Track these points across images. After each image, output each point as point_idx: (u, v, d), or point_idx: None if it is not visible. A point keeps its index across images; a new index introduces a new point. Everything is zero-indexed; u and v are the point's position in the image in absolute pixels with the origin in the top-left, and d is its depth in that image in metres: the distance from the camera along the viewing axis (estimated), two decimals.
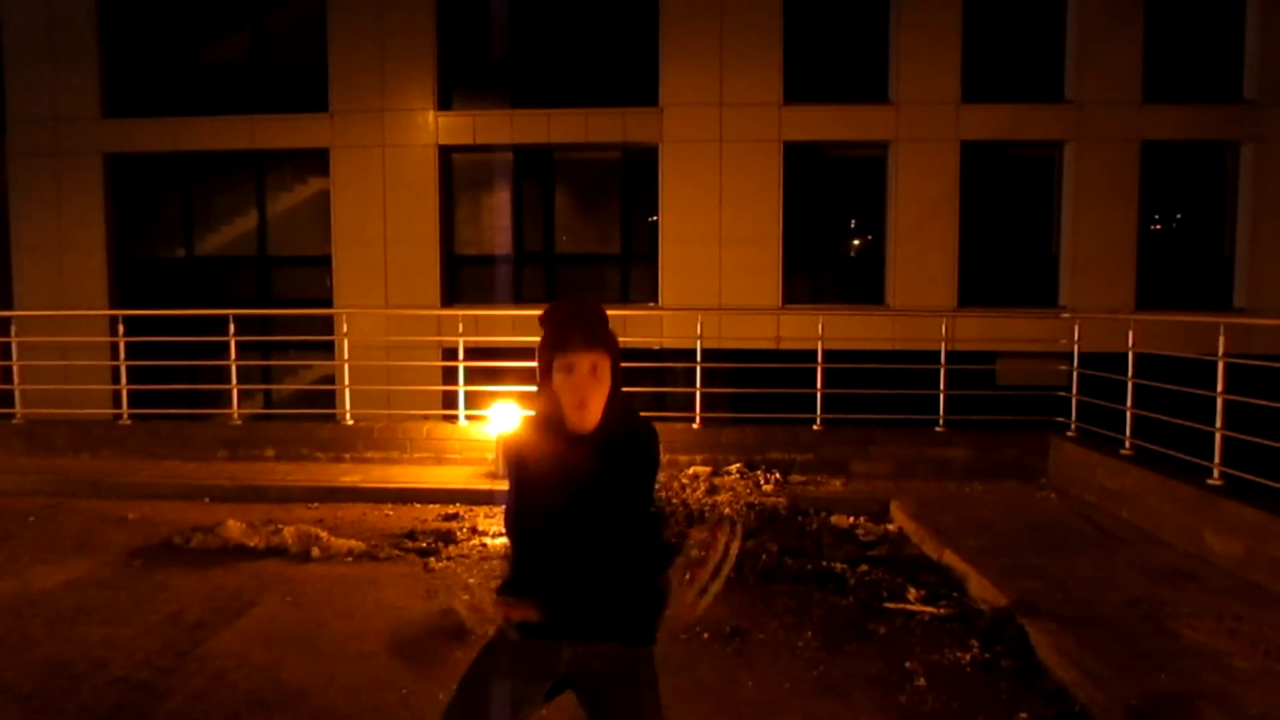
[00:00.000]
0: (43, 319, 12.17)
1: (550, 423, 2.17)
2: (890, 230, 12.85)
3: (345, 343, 9.40)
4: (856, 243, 13.68)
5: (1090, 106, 12.52)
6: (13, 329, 9.78)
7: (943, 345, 8.48)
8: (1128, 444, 7.09)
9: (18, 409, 9.43)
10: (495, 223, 13.61)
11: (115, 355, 9.48)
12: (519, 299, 13.24)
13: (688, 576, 2.06)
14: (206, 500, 7.65)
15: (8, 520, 6.93)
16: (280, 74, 13.58)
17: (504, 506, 2.33)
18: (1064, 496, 7.41)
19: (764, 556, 5.76)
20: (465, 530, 6.63)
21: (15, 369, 9.77)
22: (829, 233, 13.47)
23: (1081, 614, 4.62)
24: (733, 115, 12.71)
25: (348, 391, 9.20)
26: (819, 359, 8.49)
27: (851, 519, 7.05)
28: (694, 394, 8.72)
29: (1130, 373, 7.20)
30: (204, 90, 13.56)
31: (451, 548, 6.16)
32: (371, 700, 3.85)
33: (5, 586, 5.34)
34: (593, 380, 2.08)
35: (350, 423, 8.96)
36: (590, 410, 2.09)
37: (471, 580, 5.49)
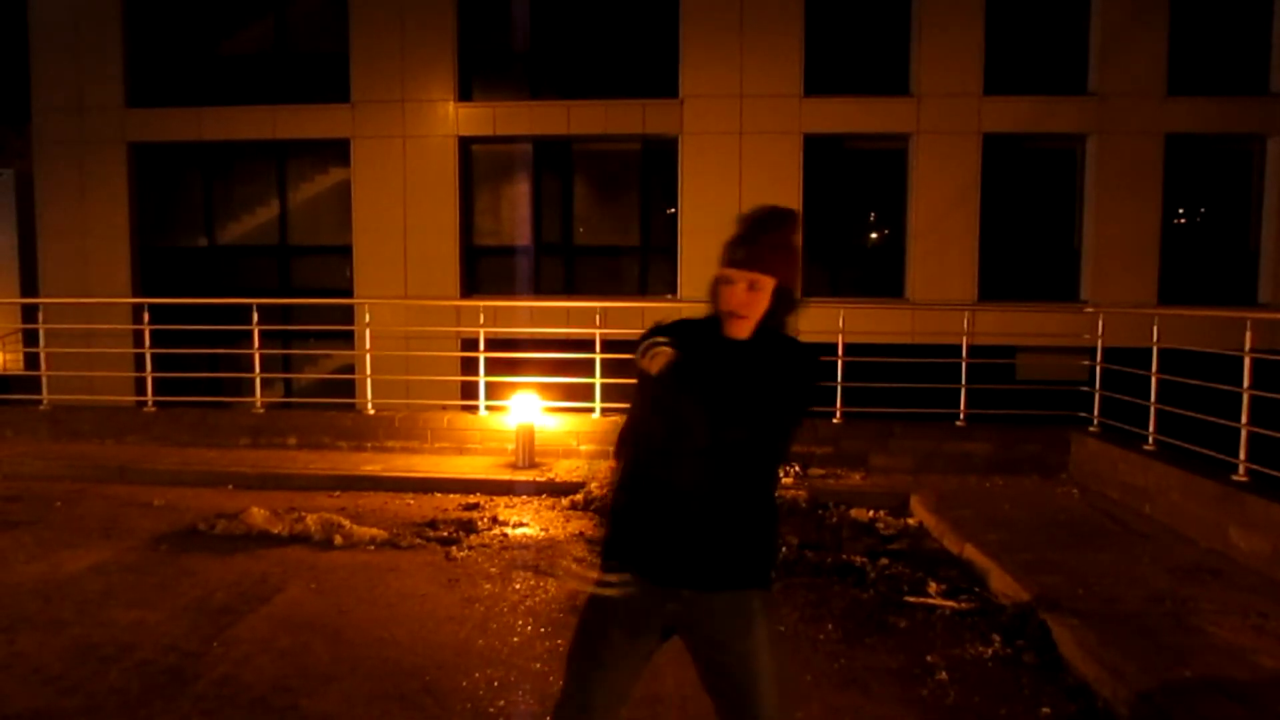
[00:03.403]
0: (68, 306, 12.29)
1: (710, 326, 2.21)
2: (910, 223, 12.78)
3: (366, 332, 9.45)
4: (876, 235, 13.62)
5: (1113, 99, 12.39)
6: (39, 316, 9.89)
7: (963, 339, 8.44)
8: (1151, 439, 7.04)
9: (44, 395, 9.55)
10: (514, 214, 13.63)
11: (140, 343, 9.58)
12: (538, 290, 13.26)
13: None
14: (230, 487, 7.72)
15: (36, 505, 7.02)
16: (302, 64, 13.63)
17: (625, 421, 2.36)
18: (1086, 492, 7.37)
19: (784, 549, 5.77)
20: (486, 520, 6.67)
21: (42, 355, 9.89)
22: (849, 225, 13.41)
23: (1104, 610, 4.60)
24: (753, 107, 12.66)
25: (369, 381, 9.25)
26: (839, 352, 8.47)
27: (871, 513, 7.04)
28: None
29: (1154, 368, 7.15)
30: (226, 80, 13.63)
31: (473, 537, 6.20)
32: (395, 687, 3.88)
33: (34, 569, 5.42)
34: (748, 296, 2.15)
35: (371, 412, 9.01)
36: (741, 324, 2.17)
37: (493, 570, 5.53)
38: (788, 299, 2.21)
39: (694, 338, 2.18)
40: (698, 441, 2.10)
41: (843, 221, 13.24)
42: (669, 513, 2.16)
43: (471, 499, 7.36)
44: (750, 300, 2.15)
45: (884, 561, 5.69)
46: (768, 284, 2.16)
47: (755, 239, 2.18)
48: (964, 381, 8.37)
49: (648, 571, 2.18)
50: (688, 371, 2.09)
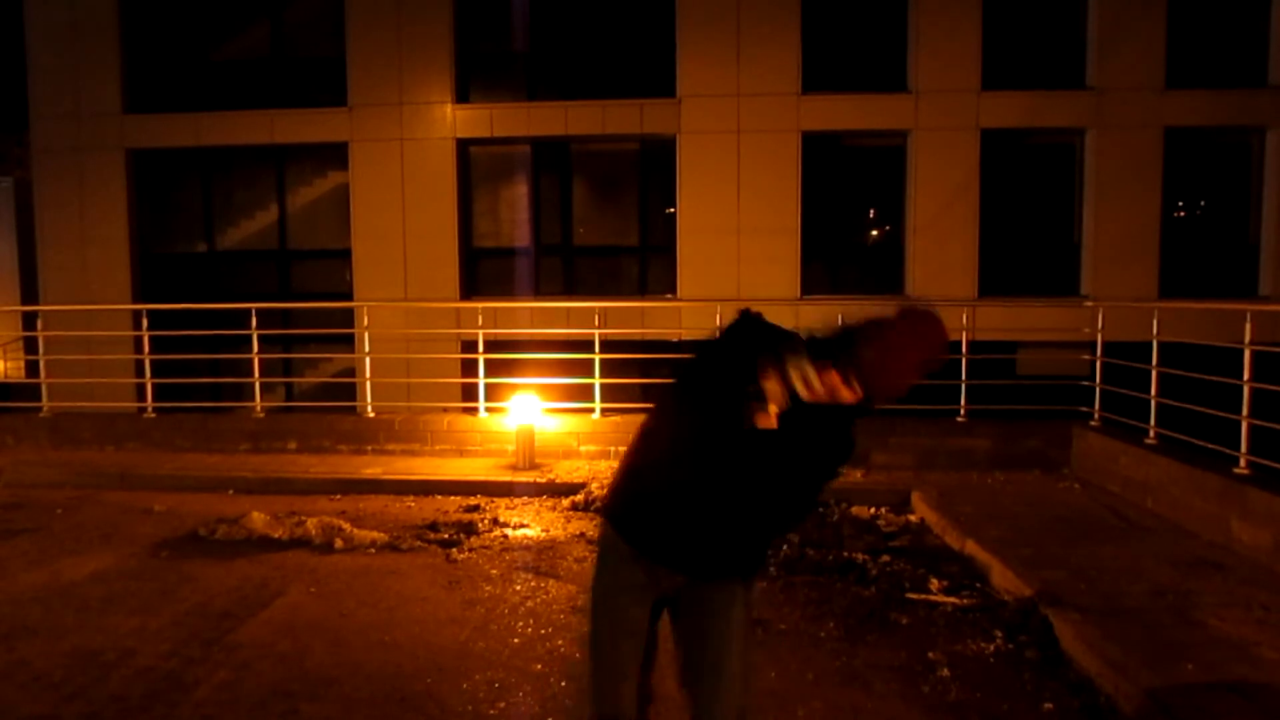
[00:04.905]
0: (68, 313, 12.29)
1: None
2: (909, 220, 12.76)
3: (366, 335, 9.45)
4: (875, 232, 13.60)
5: (1112, 93, 12.37)
6: (39, 323, 9.90)
7: (963, 335, 8.42)
8: (1152, 433, 7.03)
9: (44, 402, 9.55)
10: (513, 215, 13.63)
11: (139, 349, 9.58)
12: (537, 291, 13.25)
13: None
14: (230, 492, 7.71)
15: (36, 512, 7.02)
16: (299, 68, 13.64)
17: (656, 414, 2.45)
18: (1087, 487, 7.35)
19: (785, 548, 5.76)
20: (487, 521, 6.66)
21: (41, 363, 9.89)
22: (848, 223, 13.40)
23: (1106, 605, 4.59)
24: (750, 105, 12.65)
25: (368, 384, 9.25)
26: None
27: (872, 510, 7.03)
28: None
29: (1154, 361, 7.13)
30: (224, 85, 13.63)
31: (474, 539, 6.19)
32: (397, 689, 3.88)
33: (35, 577, 5.42)
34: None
35: (371, 415, 9.01)
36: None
37: (494, 571, 5.52)
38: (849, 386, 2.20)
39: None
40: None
41: (842, 218, 13.23)
42: (686, 510, 2.30)
43: (472, 501, 7.36)
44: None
45: (885, 558, 5.69)
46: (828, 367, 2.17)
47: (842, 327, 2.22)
48: (964, 377, 8.35)
49: (658, 555, 2.35)
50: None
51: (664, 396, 2.47)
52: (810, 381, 2.12)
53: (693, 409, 2.30)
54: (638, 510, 2.39)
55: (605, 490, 6.72)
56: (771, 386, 2.14)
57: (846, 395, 2.14)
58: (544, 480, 7.70)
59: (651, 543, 2.35)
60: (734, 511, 2.28)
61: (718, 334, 2.37)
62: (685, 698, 2.44)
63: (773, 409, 2.13)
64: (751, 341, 2.23)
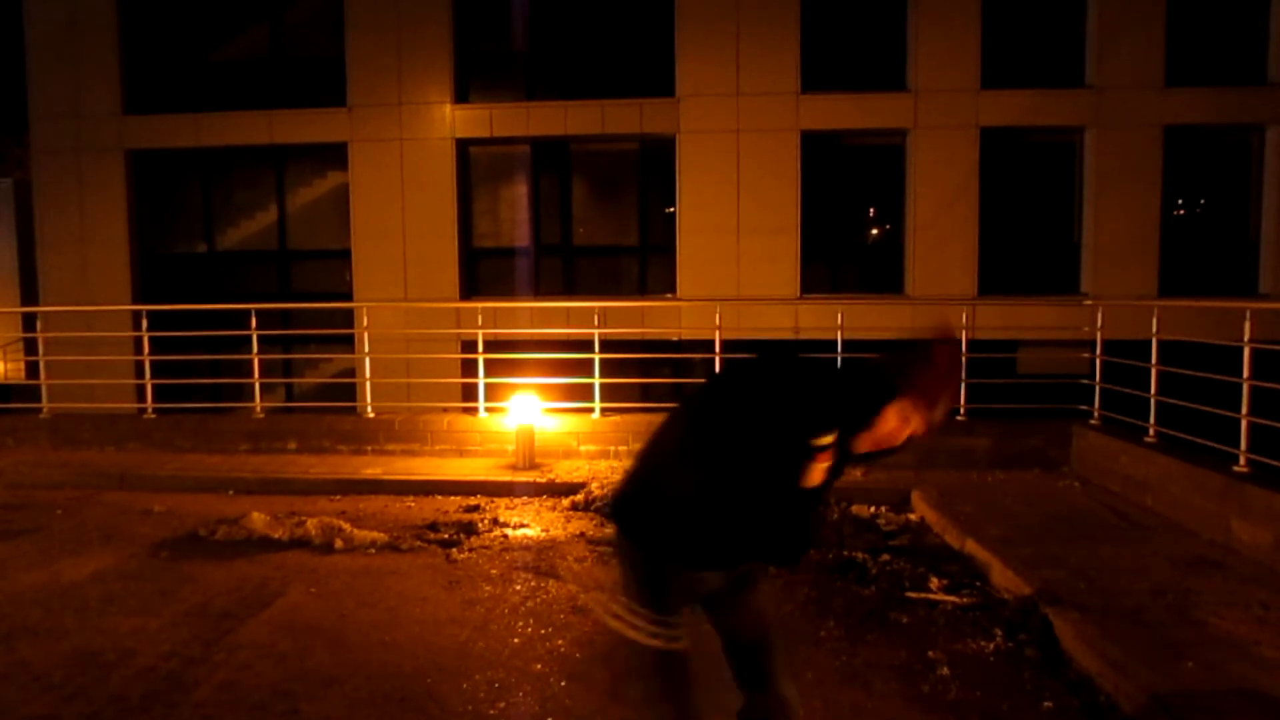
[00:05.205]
0: (67, 314, 12.29)
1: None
2: (909, 219, 12.76)
3: (365, 336, 9.45)
4: (875, 232, 13.59)
5: (1111, 91, 12.37)
6: (38, 324, 9.90)
7: (963, 334, 8.42)
8: (1152, 432, 7.03)
9: (44, 403, 9.55)
10: (513, 215, 13.63)
11: (139, 349, 9.58)
12: (537, 291, 13.25)
13: None
14: (230, 493, 7.71)
15: (37, 513, 7.02)
16: (299, 68, 13.63)
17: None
18: (1087, 485, 7.35)
19: None
20: (487, 521, 6.66)
21: (41, 364, 9.89)
22: (847, 222, 13.39)
23: (1106, 604, 4.59)
24: (750, 105, 12.64)
25: (368, 384, 9.25)
26: (838, 349, 8.45)
27: (872, 509, 7.03)
28: None
29: (1154, 360, 7.13)
30: (223, 86, 13.63)
31: (474, 539, 6.19)
32: (396, 690, 3.88)
33: (35, 578, 5.42)
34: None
35: (371, 415, 9.01)
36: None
37: (494, 571, 5.52)
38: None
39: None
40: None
41: (841, 218, 13.22)
42: (726, 531, 2.37)
43: (472, 501, 7.36)
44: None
45: (885, 557, 5.69)
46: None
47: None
48: (964, 376, 8.35)
49: (697, 564, 2.42)
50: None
51: (694, 411, 2.45)
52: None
53: (738, 451, 2.27)
54: (668, 527, 2.37)
55: (612, 492, 6.77)
56: (822, 464, 2.24)
57: (902, 441, 2.28)
58: (544, 480, 7.70)
59: (689, 556, 2.39)
60: (772, 526, 2.38)
61: (764, 367, 2.44)
62: (733, 671, 2.56)
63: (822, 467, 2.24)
64: (812, 407, 2.28)
